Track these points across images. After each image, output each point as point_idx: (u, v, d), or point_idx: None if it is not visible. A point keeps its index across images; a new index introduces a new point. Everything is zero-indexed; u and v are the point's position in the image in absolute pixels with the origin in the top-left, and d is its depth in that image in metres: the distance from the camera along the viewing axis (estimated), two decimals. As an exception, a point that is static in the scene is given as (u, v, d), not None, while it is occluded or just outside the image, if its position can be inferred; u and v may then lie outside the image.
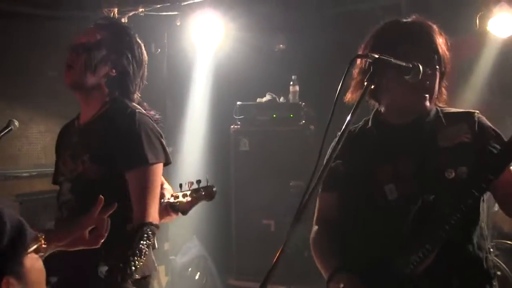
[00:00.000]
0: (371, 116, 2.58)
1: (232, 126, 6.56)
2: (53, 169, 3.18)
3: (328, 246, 2.51)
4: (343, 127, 1.98)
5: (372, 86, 2.04)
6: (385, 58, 2.09)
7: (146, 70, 3.13)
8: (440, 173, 2.28)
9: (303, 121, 6.29)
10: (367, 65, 2.26)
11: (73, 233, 2.15)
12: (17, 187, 5.43)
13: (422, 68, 2.15)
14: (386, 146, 2.45)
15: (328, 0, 6.17)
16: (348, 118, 2.01)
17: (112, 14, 5.33)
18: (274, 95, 6.52)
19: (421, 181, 2.31)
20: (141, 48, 3.09)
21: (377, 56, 2.08)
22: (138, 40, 3.08)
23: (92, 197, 2.36)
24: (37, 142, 5.08)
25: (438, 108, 2.49)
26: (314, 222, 2.62)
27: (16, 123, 4.02)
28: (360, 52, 2.43)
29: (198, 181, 3.04)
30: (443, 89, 2.51)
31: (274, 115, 6.43)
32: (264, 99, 6.55)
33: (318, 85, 5.76)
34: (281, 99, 6.51)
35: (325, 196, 2.56)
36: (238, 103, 6.54)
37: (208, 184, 3.04)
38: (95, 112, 2.98)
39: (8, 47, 5.07)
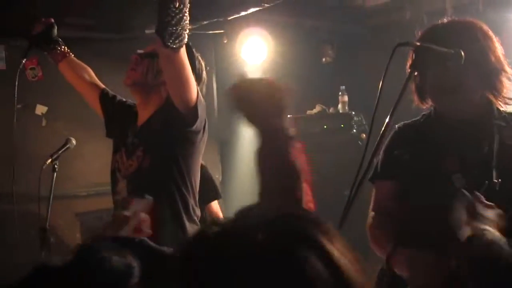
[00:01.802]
0: (432, 111, 2.61)
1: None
2: (110, 188, 3.24)
3: (386, 227, 2.53)
4: (384, 127, 2.05)
5: (415, 73, 2.08)
6: (427, 45, 2.14)
7: (204, 88, 3.20)
8: (509, 166, 2.31)
9: (354, 131, 6.28)
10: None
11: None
12: (76, 206, 5.56)
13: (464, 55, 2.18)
14: (450, 139, 2.48)
15: (372, 10, 6.17)
16: (387, 120, 2.08)
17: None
18: (323, 107, 6.52)
19: (489, 172, 2.34)
20: (201, 65, 3.18)
21: (418, 43, 2.13)
22: (200, 58, 3.17)
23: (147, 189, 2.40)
24: (94, 161, 5.20)
25: (498, 107, 2.52)
26: (370, 209, 2.64)
27: (74, 141, 4.15)
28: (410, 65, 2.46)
29: None
30: (503, 88, 2.52)
31: (325, 126, 6.42)
32: (314, 111, 6.56)
33: (368, 94, 5.76)
34: (331, 110, 6.51)
35: (385, 184, 2.59)
36: (288, 116, 6.52)
37: None
38: (150, 115, 3.07)
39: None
